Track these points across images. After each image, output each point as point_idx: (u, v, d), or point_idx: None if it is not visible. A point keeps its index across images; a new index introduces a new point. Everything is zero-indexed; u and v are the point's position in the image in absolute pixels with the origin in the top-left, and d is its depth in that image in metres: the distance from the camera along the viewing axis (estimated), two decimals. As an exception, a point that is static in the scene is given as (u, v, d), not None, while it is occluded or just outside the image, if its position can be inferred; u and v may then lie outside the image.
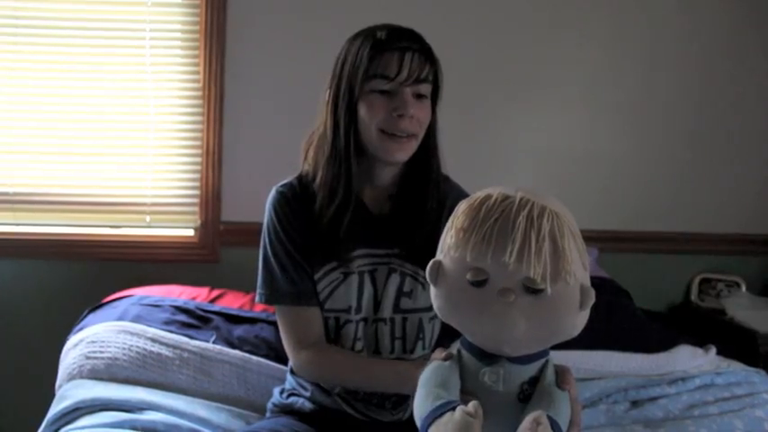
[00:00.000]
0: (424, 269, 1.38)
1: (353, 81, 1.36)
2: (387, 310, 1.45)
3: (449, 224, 1.02)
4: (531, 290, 0.93)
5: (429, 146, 1.44)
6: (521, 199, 0.95)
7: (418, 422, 0.98)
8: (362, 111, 1.36)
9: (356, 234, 1.42)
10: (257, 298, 1.49)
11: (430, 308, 1.42)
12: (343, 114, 1.38)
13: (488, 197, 0.97)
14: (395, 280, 1.45)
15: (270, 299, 1.46)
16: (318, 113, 1.45)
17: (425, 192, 1.44)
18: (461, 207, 1.00)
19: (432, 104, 1.41)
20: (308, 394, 1.49)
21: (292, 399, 1.52)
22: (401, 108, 1.34)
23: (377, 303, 1.45)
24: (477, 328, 0.99)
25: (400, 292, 1.45)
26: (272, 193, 1.48)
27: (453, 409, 0.93)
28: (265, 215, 1.47)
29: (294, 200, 1.45)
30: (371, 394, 1.46)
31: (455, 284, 0.99)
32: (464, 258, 0.96)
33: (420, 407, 0.99)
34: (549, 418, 0.93)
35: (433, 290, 1.03)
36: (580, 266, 0.97)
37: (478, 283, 0.96)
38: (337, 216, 1.40)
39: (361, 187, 1.44)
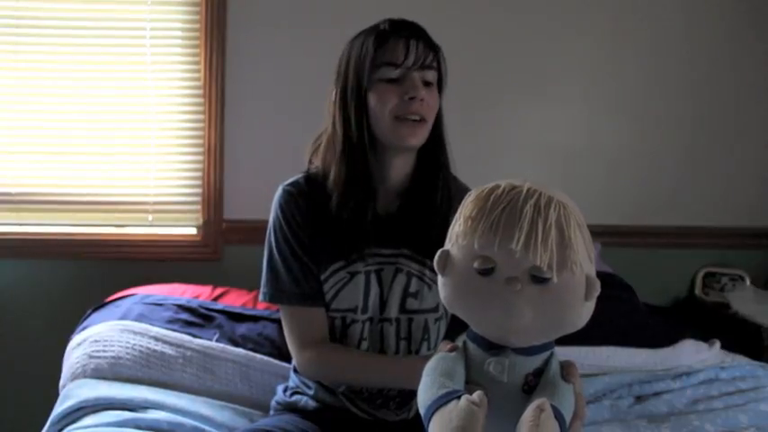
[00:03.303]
0: (430, 269, 1.41)
1: (361, 73, 1.37)
2: (393, 311, 1.44)
3: (457, 214, 1.03)
4: (538, 279, 0.94)
5: (437, 137, 1.44)
6: (528, 189, 0.96)
7: (422, 410, 0.99)
8: (373, 101, 1.37)
9: (366, 234, 1.42)
10: (260, 297, 1.48)
11: (435, 309, 1.44)
12: (354, 108, 1.38)
13: (497, 187, 0.99)
14: (401, 280, 1.44)
15: (273, 298, 1.46)
16: (325, 115, 1.45)
17: (435, 186, 1.43)
18: (470, 197, 1.01)
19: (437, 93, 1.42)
20: (311, 393, 1.49)
21: (296, 397, 1.52)
22: (412, 91, 1.35)
23: (383, 303, 1.44)
24: (483, 318, 1.00)
25: (406, 293, 1.44)
26: (279, 191, 1.47)
27: (458, 397, 0.94)
28: (271, 213, 1.46)
29: (301, 198, 1.44)
30: (376, 393, 1.45)
31: (463, 273, 0.99)
32: (472, 246, 0.97)
33: (424, 394, 1.00)
34: (553, 407, 0.94)
35: (440, 279, 1.04)
36: (586, 258, 0.98)
37: (486, 272, 0.96)
38: (359, 212, 1.40)
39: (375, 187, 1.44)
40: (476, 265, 0.97)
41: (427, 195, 1.43)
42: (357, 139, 1.39)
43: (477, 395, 0.91)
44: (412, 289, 1.44)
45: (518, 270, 0.94)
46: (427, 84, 1.38)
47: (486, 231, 0.96)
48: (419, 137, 1.39)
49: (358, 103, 1.38)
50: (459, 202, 1.37)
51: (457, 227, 1.01)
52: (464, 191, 1.47)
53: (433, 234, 1.37)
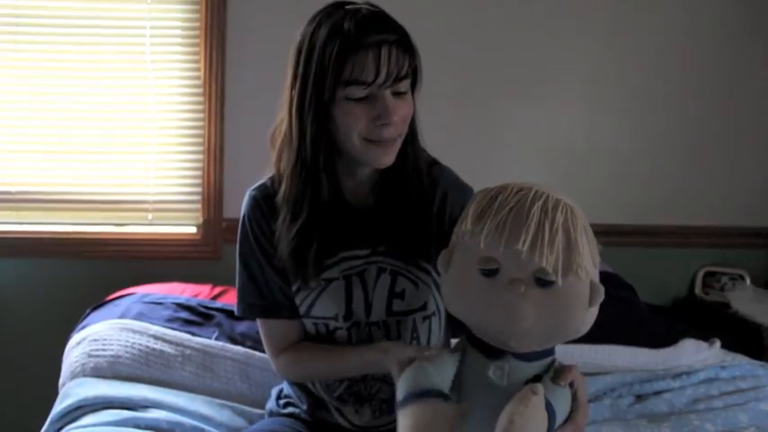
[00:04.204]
0: (414, 265, 1.33)
1: (322, 85, 1.18)
2: (379, 314, 1.34)
3: (464, 213, 1.02)
4: (542, 282, 0.93)
5: (409, 131, 1.28)
6: (536, 191, 0.97)
7: (401, 393, 0.98)
8: (339, 118, 1.20)
9: (339, 236, 1.30)
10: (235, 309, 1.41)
11: (423, 307, 1.35)
12: (311, 123, 1.21)
13: (505, 187, 1.00)
14: (385, 281, 1.32)
15: (241, 311, 1.38)
16: (281, 106, 1.28)
17: (407, 179, 1.30)
18: (477, 196, 1.00)
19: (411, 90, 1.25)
20: (304, 407, 1.45)
21: (289, 409, 1.49)
22: (384, 116, 1.18)
23: (368, 307, 1.33)
24: (485, 320, 0.99)
25: (392, 294, 1.33)
26: (246, 196, 1.36)
27: (443, 398, 0.93)
28: (239, 221, 1.36)
29: (267, 205, 1.32)
30: (366, 396, 1.39)
31: (466, 274, 0.99)
32: (477, 246, 0.97)
33: (409, 380, 0.99)
34: (546, 400, 0.94)
35: (442, 278, 1.02)
36: (591, 263, 0.97)
37: (489, 273, 0.96)
38: (301, 239, 1.26)
39: (342, 182, 1.30)
40: (480, 265, 0.96)
41: (400, 188, 1.30)
42: (311, 158, 1.23)
43: (464, 406, 0.92)
44: (398, 288, 1.33)
45: (522, 272, 0.94)
46: (400, 94, 1.21)
47: (492, 231, 0.95)
48: (392, 156, 1.24)
49: (317, 119, 1.20)
50: (444, 190, 1.33)
51: (463, 226, 1.00)
52: (448, 176, 1.37)
53: (411, 228, 1.30)
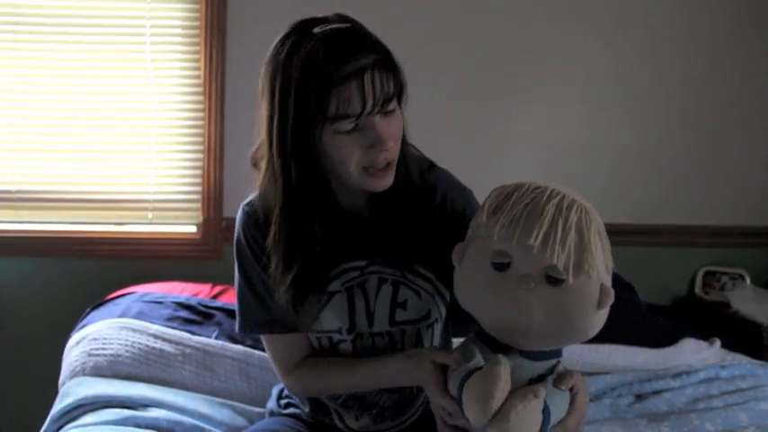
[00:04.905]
0: (415, 273, 1.30)
1: (304, 124, 1.12)
2: (382, 325, 1.31)
3: (479, 207, 1.03)
4: (553, 279, 0.94)
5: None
6: (552, 190, 0.99)
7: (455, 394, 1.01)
8: (331, 152, 1.15)
9: (337, 247, 1.27)
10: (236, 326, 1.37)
11: (426, 316, 1.33)
12: (295, 166, 1.15)
13: (521, 185, 1.01)
14: (386, 291, 1.29)
15: (243, 327, 1.35)
16: (258, 131, 1.23)
17: (398, 188, 1.24)
18: (493, 192, 1.02)
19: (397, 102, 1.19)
20: (306, 409, 1.44)
21: (291, 410, 1.48)
22: (378, 144, 1.13)
23: (370, 317, 1.31)
24: (494, 314, 1.00)
25: (394, 304, 1.30)
26: (239, 211, 1.31)
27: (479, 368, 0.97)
28: (234, 236, 1.32)
29: (263, 220, 1.27)
30: (371, 403, 1.38)
31: (478, 267, 1.00)
32: (491, 238, 0.98)
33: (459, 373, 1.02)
34: (545, 403, 0.94)
35: (456, 272, 1.03)
36: (603, 265, 0.98)
37: (501, 267, 0.97)
38: (297, 286, 1.22)
39: (336, 190, 1.26)
40: (492, 258, 0.97)
41: (393, 200, 1.25)
42: (299, 204, 1.19)
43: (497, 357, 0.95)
44: (400, 299, 1.30)
45: (534, 268, 0.95)
46: (389, 112, 1.15)
47: (506, 225, 0.97)
48: (390, 178, 1.19)
49: (300, 162, 1.14)
50: (443, 193, 1.31)
51: (478, 219, 1.02)
52: (446, 178, 1.34)
53: (408, 236, 1.27)
